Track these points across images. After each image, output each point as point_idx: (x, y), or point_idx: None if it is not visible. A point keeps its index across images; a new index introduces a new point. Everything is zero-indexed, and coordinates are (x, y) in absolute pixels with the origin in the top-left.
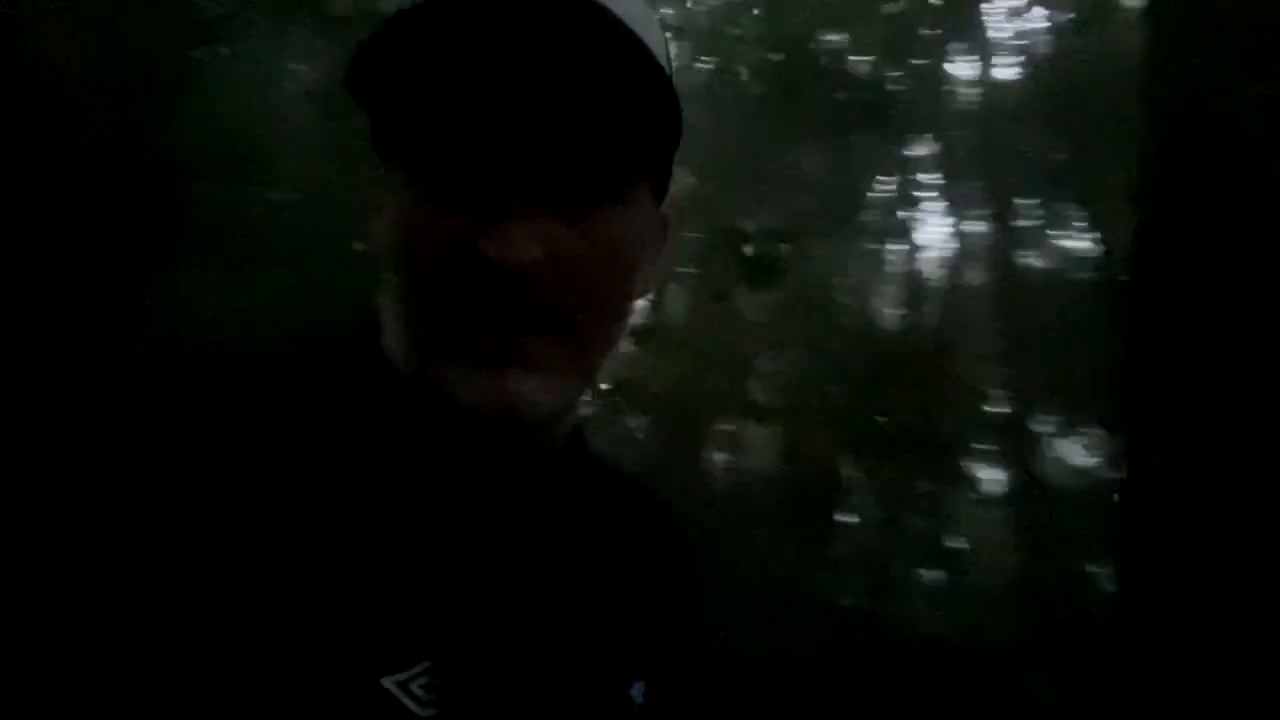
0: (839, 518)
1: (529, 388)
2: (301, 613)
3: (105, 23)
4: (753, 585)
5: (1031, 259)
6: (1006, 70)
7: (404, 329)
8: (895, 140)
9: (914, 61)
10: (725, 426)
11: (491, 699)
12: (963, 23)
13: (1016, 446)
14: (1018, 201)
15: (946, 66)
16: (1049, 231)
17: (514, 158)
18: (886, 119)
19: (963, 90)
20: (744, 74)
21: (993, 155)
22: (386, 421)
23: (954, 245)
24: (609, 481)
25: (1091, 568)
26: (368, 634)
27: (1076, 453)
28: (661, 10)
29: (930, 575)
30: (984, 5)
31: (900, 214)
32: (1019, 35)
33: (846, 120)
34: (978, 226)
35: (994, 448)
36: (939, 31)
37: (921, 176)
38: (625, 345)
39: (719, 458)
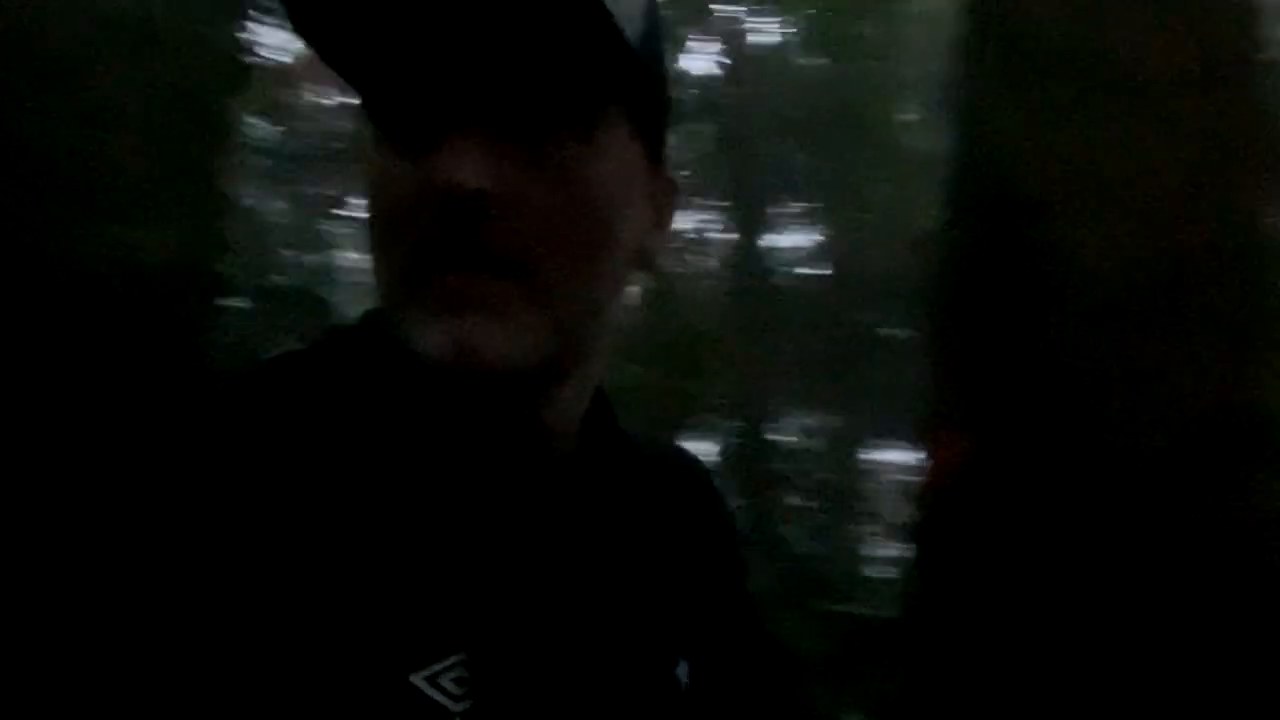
0: None
1: (488, 335)
2: (324, 610)
3: None
4: None
5: (758, 254)
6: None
7: (380, 287)
8: None
9: None
10: None
11: (529, 689)
12: (699, 18)
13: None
14: (755, 197)
15: (683, 61)
16: (776, 229)
17: (456, 85)
18: None
19: (697, 86)
20: None
21: (732, 152)
22: (405, 405)
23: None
24: (642, 453)
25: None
26: (393, 629)
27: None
28: None
29: None
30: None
31: None
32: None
33: None
34: (716, 221)
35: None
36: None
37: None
38: None
39: None
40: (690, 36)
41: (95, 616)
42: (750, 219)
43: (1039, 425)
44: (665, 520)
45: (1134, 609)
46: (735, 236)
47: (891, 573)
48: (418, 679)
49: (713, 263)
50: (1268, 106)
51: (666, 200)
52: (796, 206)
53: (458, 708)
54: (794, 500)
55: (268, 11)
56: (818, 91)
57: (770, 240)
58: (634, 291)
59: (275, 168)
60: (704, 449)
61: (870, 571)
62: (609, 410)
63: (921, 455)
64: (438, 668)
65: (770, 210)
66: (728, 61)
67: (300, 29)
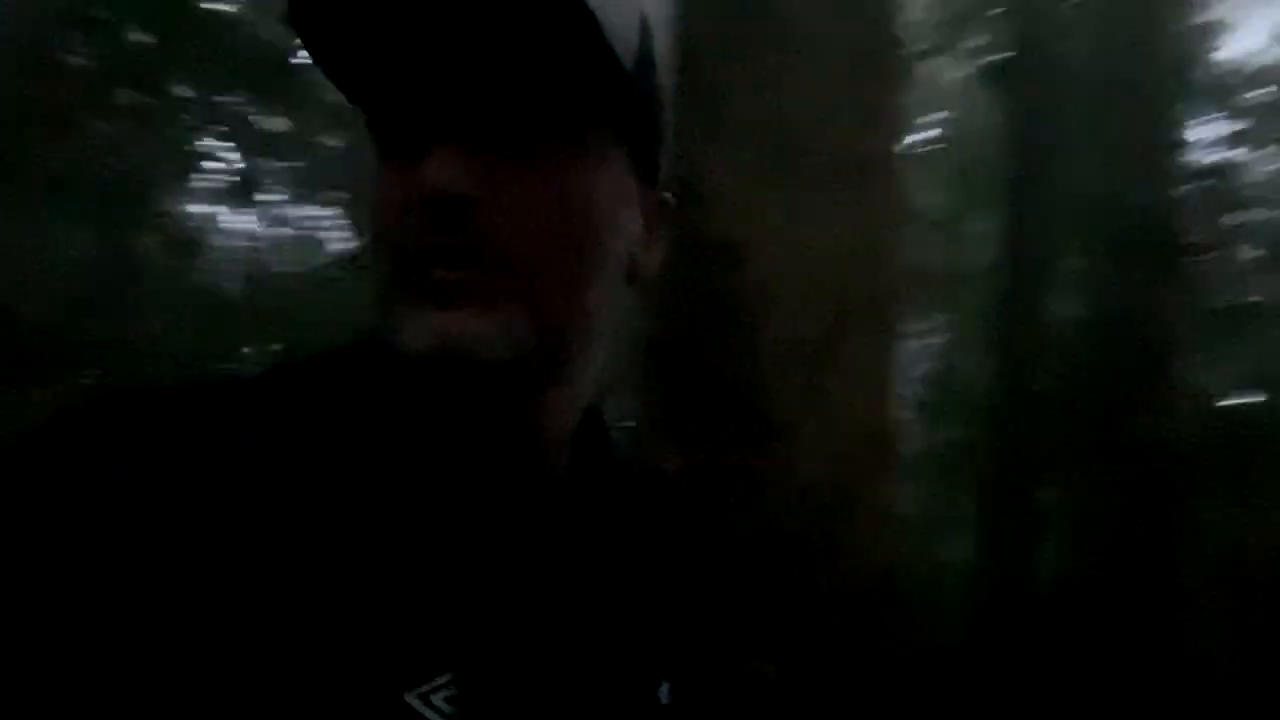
0: None
1: (471, 325)
2: (319, 627)
3: None
4: None
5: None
6: None
7: (376, 291)
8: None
9: None
10: None
11: (517, 707)
12: None
13: None
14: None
15: None
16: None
17: (448, 96)
18: None
19: None
20: None
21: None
22: (398, 420)
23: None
24: (630, 472)
25: None
26: (383, 648)
27: None
28: None
29: None
30: None
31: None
32: None
33: None
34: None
35: None
36: None
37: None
38: None
39: None
40: None
41: (87, 631)
42: None
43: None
44: (651, 541)
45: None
46: None
47: None
48: (411, 698)
49: None
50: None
51: (658, 218)
52: None
53: None
54: None
55: None
56: None
57: None
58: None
59: None
60: None
61: None
62: (603, 429)
63: None
64: (429, 686)
65: None
66: None
67: (311, 48)
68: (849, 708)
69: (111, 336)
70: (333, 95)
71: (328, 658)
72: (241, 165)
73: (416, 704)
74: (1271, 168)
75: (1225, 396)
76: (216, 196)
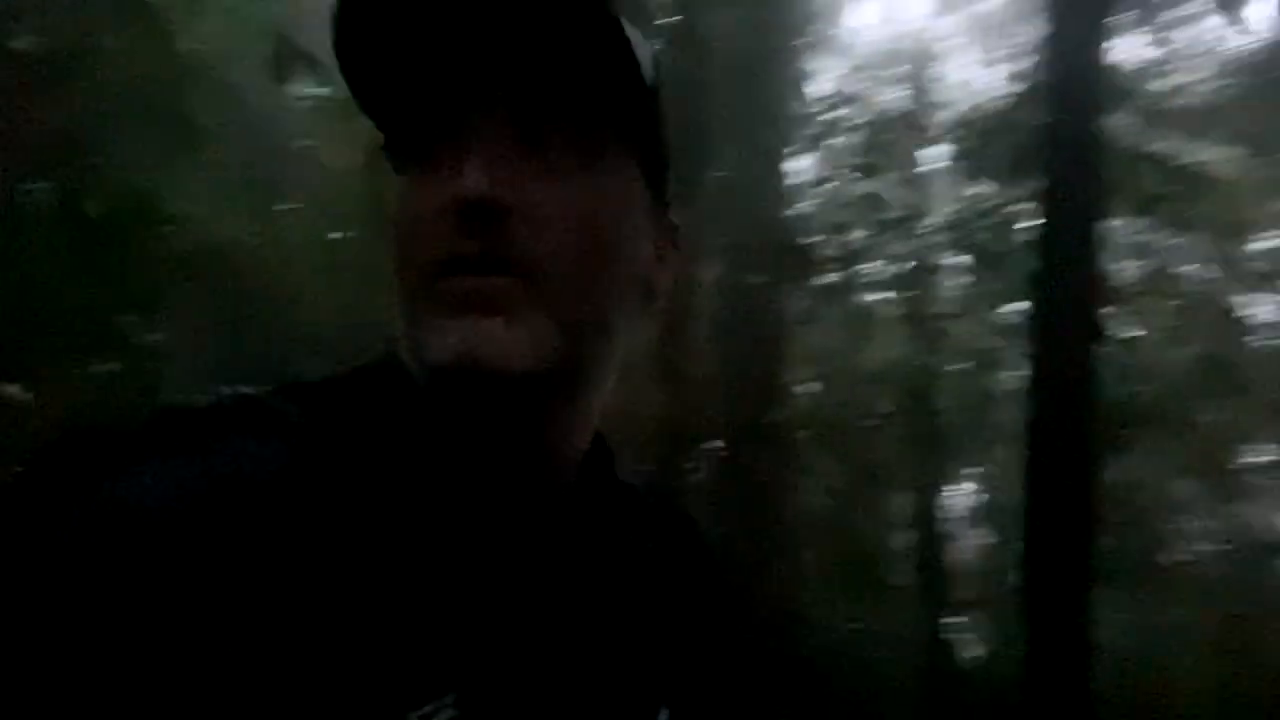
0: None
1: (495, 333)
2: (319, 648)
3: None
4: None
5: None
6: None
7: (399, 306)
8: None
9: None
10: None
11: None
12: None
13: None
14: None
15: None
16: None
17: (480, 106)
18: None
19: None
20: None
21: None
22: (410, 439)
23: None
24: (634, 500)
25: None
26: (388, 668)
27: None
28: None
29: None
30: None
31: None
32: None
33: None
34: None
35: None
36: None
37: None
38: None
39: None
40: None
41: (95, 642)
42: None
43: None
44: (655, 567)
45: None
46: None
47: None
48: (414, 718)
49: None
50: None
51: (669, 240)
52: None
53: None
54: None
55: None
56: None
57: None
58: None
59: None
60: None
61: None
62: (609, 454)
63: None
64: (432, 707)
65: None
66: None
67: (346, 64)
68: None
69: None
70: None
71: (332, 676)
72: None
73: None
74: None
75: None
76: None
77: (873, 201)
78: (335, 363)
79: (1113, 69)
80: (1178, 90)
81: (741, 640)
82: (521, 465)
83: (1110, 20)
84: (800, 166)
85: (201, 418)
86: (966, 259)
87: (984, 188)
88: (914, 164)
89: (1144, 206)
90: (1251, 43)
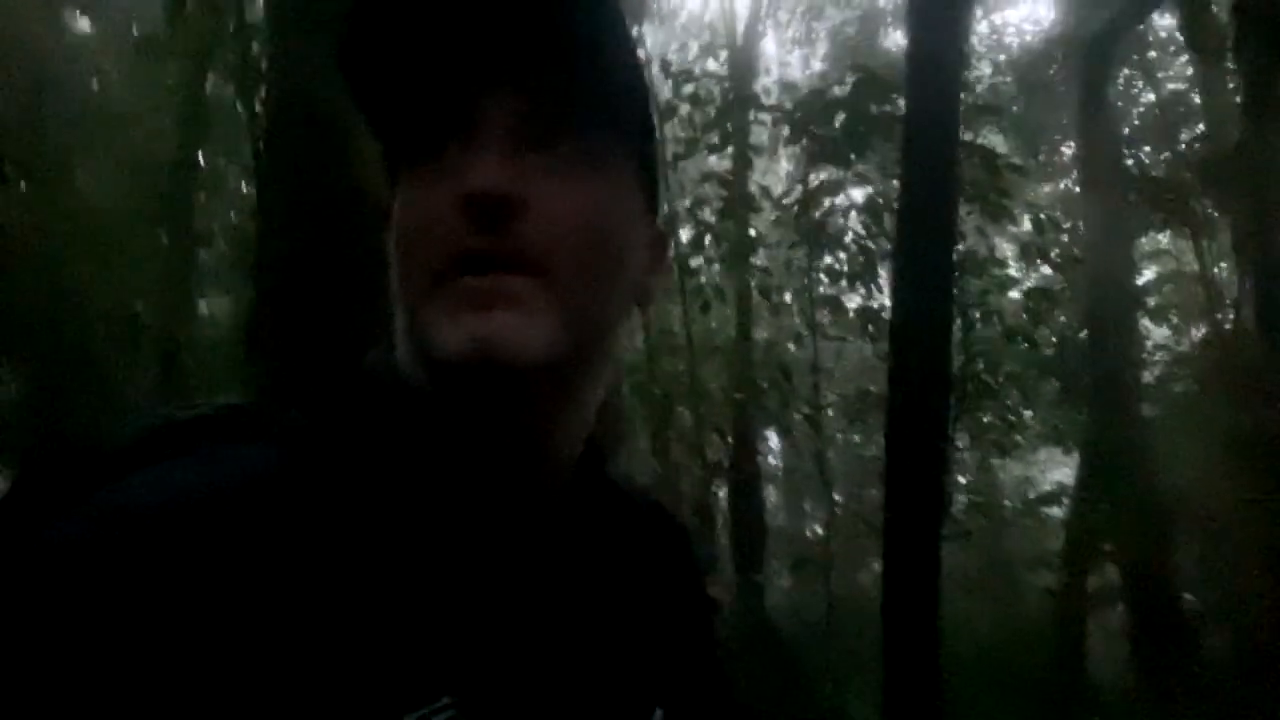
0: None
1: (509, 327)
2: (315, 652)
3: None
4: None
5: None
6: None
7: (403, 309)
8: None
9: None
10: None
11: None
12: None
13: None
14: None
15: None
16: None
17: (483, 100)
18: None
19: None
20: None
21: None
22: (401, 447)
23: None
24: (627, 504)
25: None
26: (385, 670)
27: None
28: None
29: None
30: None
31: None
32: None
33: None
34: None
35: None
36: None
37: None
38: None
39: None
40: None
41: (96, 649)
42: None
43: None
44: (647, 569)
45: None
46: None
47: None
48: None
49: None
50: None
51: (660, 248)
52: None
53: None
54: None
55: None
56: None
57: None
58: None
59: None
60: None
61: None
62: (601, 456)
63: None
64: (429, 709)
65: None
66: None
67: (351, 69)
68: None
69: None
70: None
71: (329, 678)
72: None
73: None
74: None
75: None
76: None
77: (710, 177)
78: None
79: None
80: (971, 83)
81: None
82: (520, 466)
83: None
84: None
85: (192, 426)
86: (798, 237)
87: (822, 168)
88: (751, 141)
89: (967, 194)
90: (1024, 40)
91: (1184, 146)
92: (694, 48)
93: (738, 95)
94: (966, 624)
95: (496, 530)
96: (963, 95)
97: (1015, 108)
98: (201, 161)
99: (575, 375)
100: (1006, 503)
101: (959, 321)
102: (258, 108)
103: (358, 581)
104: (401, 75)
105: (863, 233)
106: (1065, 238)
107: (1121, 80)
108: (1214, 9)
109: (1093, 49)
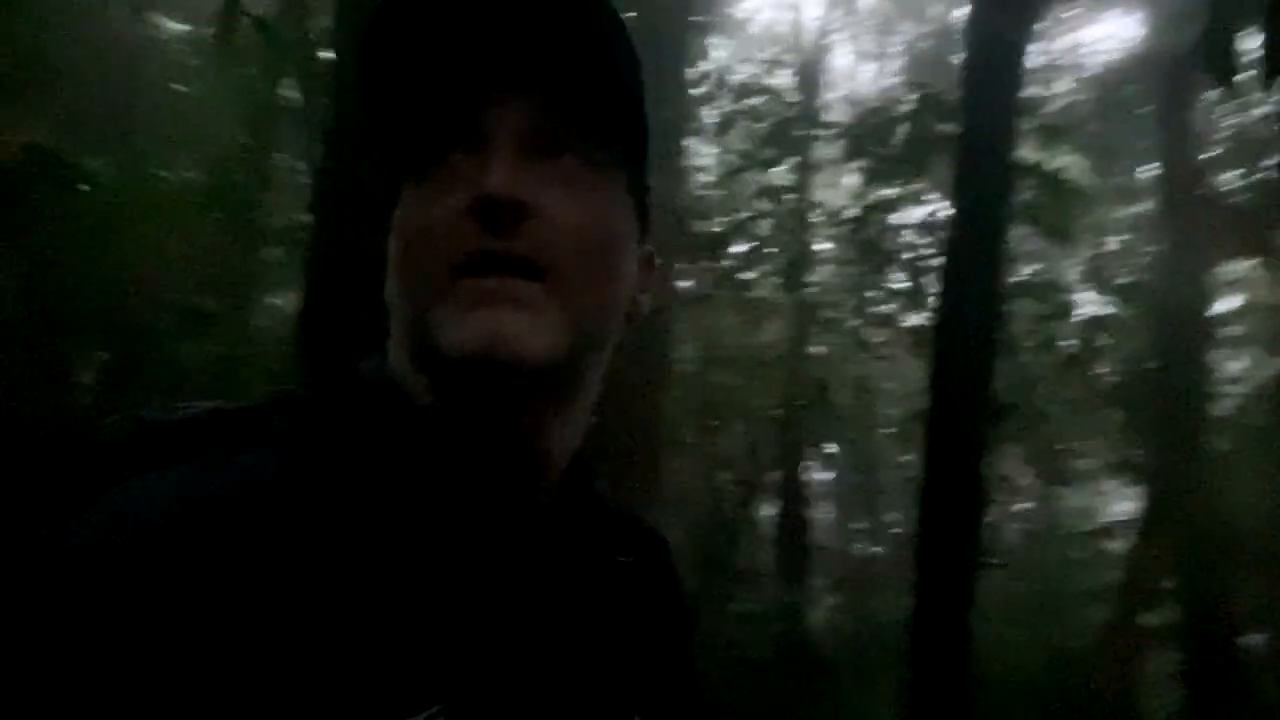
0: None
1: (516, 327)
2: (309, 659)
3: None
4: None
5: None
6: None
7: (408, 311)
8: None
9: None
10: None
11: None
12: None
13: None
14: None
15: None
16: None
17: (492, 109)
18: None
19: None
20: None
21: None
22: (397, 454)
23: None
24: (610, 515)
25: None
26: (377, 677)
27: None
28: None
29: None
30: None
31: None
32: None
33: None
34: None
35: None
36: None
37: None
38: None
39: None
40: None
41: (94, 652)
42: None
43: None
44: (629, 580)
45: None
46: None
47: None
48: None
49: None
50: None
51: (650, 268)
52: None
53: None
54: None
55: None
56: None
57: None
58: None
59: None
60: None
61: None
62: (589, 468)
63: None
64: (420, 717)
65: None
66: None
67: (367, 77)
68: None
69: None
70: None
71: (322, 684)
72: None
73: None
74: None
75: None
76: None
77: (769, 191)
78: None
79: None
80: (1042, 100)
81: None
82: (513, 472)
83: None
84: (700, 150)
85: (194, 430)
86: (856, 253)
87: (882, 185)
88: (811, 156)
89: (1030, 215)
90: (1105, 58)
91: (1268, 172)
92: (761, 61)
93: (798, 111)
94: (1013, 653)
95: (488, 538)
96: (1036, 113)
97: (1093, 128)
98: (270, 160)
99: (570, 382)
100: (1065, 532)
101: (1014, 346)
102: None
103: (350, 589)
104: (412, 85)
105: (920, 252)
106: (1136, 263)
107: (1205, 102)
108: None
109: (1176, 69)
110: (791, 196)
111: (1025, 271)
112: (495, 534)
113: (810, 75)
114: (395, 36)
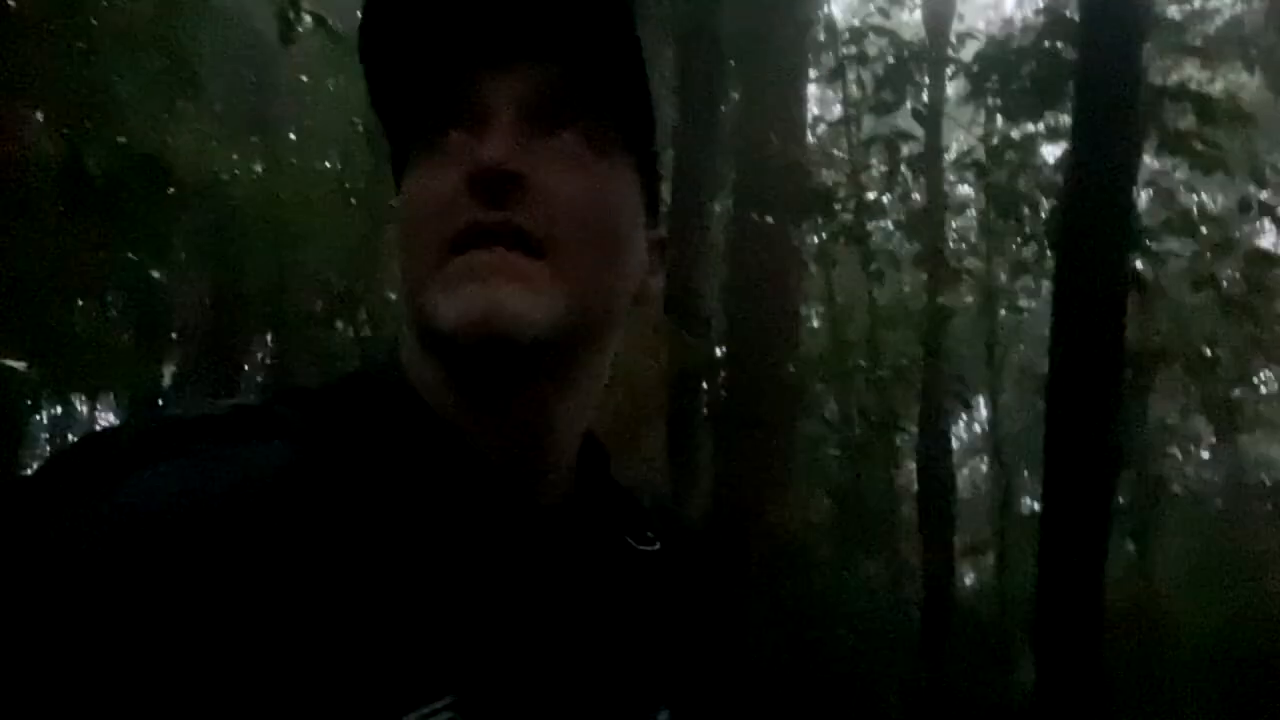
0: None
1: (512, 299)
2: (319, 649)
3: None
4: None
5: None
6: None
7: (408, 289)
8: None
9: None
10: None
11: None
12: None
13: None
14: None
15: None
16: None
17: (489, 87)
18: None
19: None
20: None
21: None
22: (406, 451)
23: None
24: (630, 502)
25: None
26: (386, 668)
27: None
28: None
29: None
30: None
31: None
32: None
33: None
34: None
35: None
36: None
37: None
38: None
39: None
40: None
41: (102, 646)
42: None
43: None
44: (653, 569)
45: None
46: None
47: None
48: (412, 719)
49: None
50: None
51: (658, 251)
52: None
53: None
54: None
55: None
56: None
57: None
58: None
59: None
60: None
61: None
62: (604, 456)
63: None
64: (430, 709)
65: None
66: None
67: (369, 52)
68: None
69: None
70: None
71: (331, 676)
72: None
73: None
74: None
75: None
76: None
77: (891, 138)
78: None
79: None
80: (1195, 15)
81: (740, 633)
82: (520, 454)
83: None
84: (817, 98)
85: (205, 425)
86: (984, 198)
87: (1008, 124)
88: (934, 97)
89: (1172, 144)
90: None
91: None
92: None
93: (913, 51)
94: (1196, 615)
95: (500, 528)
96: (1196, 28)
97: (1267, 41)
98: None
99: (574, 359)
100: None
101: (1172, 287)
102: None
103: (360, 580)
104: (409, 62)
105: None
106: None
107: None
108: None
109: None
110: (916, 142)
111: (1182, 205)
112: (507, 523)
113: (939, 12)
114: (393, 10)
